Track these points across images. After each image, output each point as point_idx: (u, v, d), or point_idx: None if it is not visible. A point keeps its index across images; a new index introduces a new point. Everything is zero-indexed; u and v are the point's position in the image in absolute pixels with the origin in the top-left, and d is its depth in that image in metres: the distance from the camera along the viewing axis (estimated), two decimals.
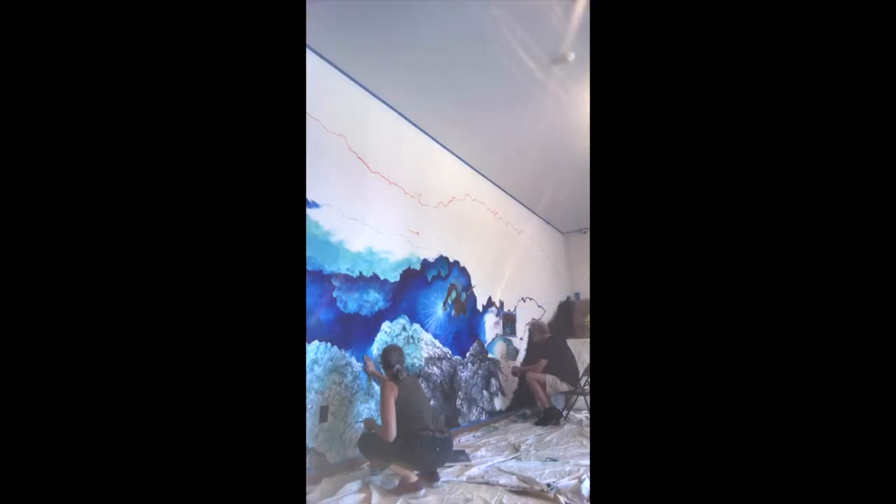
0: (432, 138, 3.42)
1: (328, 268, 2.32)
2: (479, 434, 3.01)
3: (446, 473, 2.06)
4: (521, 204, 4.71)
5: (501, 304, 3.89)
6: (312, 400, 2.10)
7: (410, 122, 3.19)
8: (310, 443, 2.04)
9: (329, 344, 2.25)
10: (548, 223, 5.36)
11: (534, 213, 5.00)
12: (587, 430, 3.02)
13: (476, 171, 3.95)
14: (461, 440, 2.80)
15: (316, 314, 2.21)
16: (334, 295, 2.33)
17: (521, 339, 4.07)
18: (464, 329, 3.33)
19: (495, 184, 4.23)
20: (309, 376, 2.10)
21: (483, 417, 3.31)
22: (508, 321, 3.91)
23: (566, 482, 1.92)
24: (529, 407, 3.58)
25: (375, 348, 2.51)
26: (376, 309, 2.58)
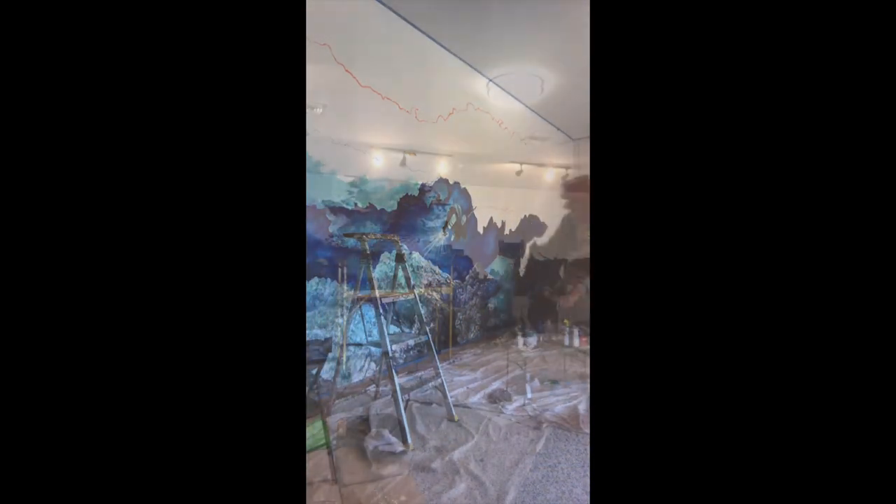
0: (430, 37, 2.96)
1: (321, 202, 2.21)
2: (478, 351, 3.22)
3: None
4: (530, 109, 4.29)
5: (503, 223, 3.81)
6: (316, 334, 2.18)
7: (404, 19, 2.73)
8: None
9: (329, 279, 2.26)
10: (558, 129, 4.97)
11: (544, 119, 4.59)
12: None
13: (480, 73, 3.51)
14: (462, 358, 2.99)
15: (313, 252, 2.18)
16: (330, 230, 2.26)
17: (522, 256, 4.09)
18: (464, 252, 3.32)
19: (501, 87, 3.79)
20: (311, 312, 2.16)
21: (480, 335, 3.49)
22: (510, 242, 3.88)
23: (563, 405, 2.10)
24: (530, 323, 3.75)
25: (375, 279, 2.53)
26: (374, 240, 2.53)
